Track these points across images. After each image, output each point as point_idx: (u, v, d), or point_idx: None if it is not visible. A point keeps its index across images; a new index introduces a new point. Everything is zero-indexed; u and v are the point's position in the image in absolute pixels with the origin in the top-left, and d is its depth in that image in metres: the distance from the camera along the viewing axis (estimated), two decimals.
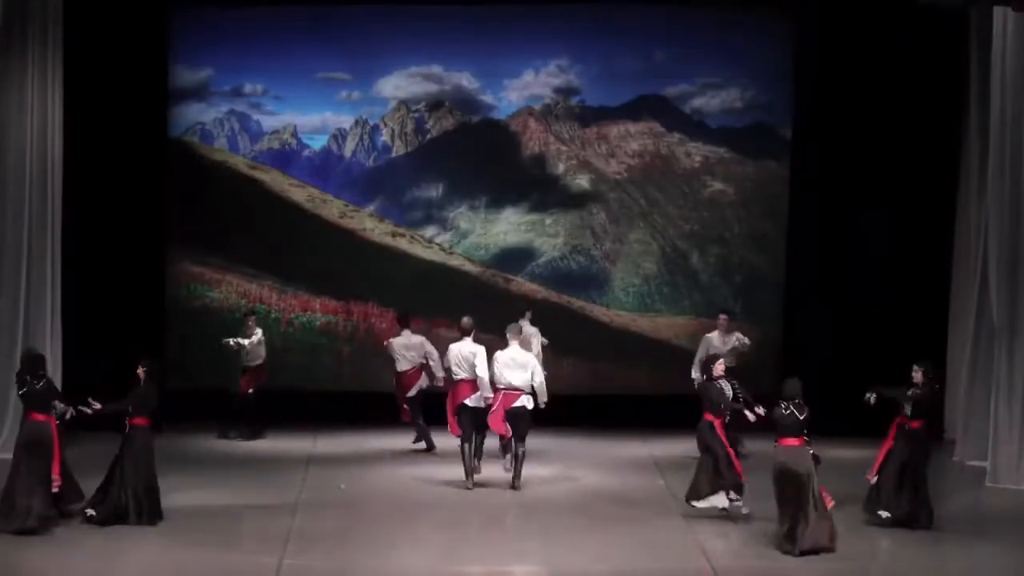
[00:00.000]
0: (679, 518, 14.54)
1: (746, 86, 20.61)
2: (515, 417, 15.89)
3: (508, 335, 16.35)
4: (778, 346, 20.28)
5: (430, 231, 20.81)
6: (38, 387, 13.88)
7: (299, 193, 20.74)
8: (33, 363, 14.13)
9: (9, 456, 14.40)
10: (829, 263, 20.12)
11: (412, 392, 18.07)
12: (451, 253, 20.81)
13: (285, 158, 20.76)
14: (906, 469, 14.22)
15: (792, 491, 13.21)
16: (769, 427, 13.82)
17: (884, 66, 19.89)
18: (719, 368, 14.79)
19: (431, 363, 18.02)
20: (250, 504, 15.05)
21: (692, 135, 20.75)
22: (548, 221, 20.86)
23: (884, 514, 14.18)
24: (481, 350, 16.20)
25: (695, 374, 17.56)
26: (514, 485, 15.86)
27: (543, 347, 18.41)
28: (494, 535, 14.08)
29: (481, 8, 20.45)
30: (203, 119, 20.65)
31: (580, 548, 13.73)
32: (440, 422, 16.90)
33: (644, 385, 20.30)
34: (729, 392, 14.80)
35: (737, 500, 14.37)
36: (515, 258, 20.81)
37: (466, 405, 16.14)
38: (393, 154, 20.88)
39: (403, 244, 20.77)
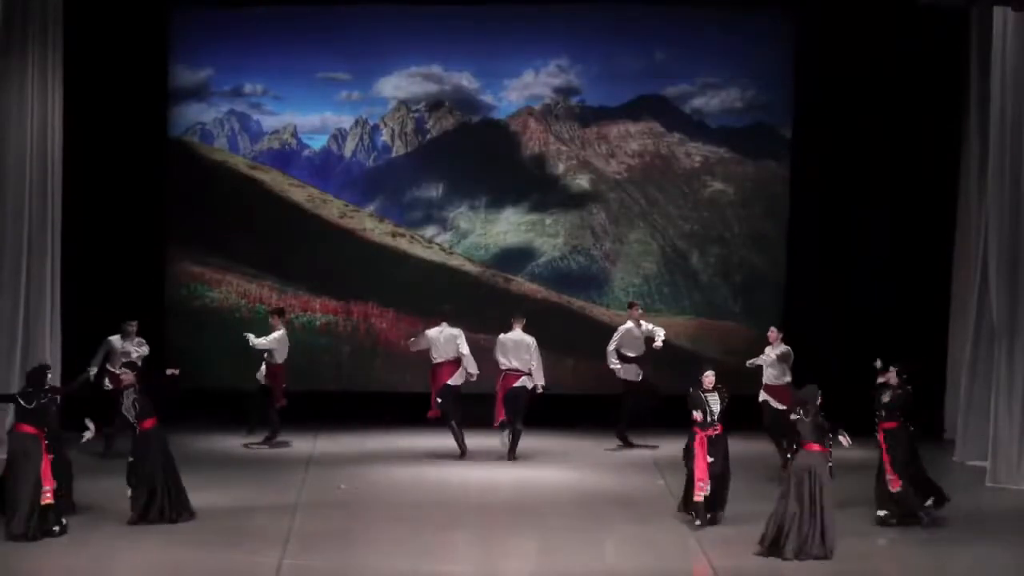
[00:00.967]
0: (679, 518, 14.52)
1: (746, 86, 20.61)
2: (515, 396, 17.44)
3: (512, 320, 17.83)
4: None
5: (430, 231, 20.82)
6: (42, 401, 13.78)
7: (299, 193, 20.74)
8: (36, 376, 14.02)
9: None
10: (829, 263, 20.12)
11: (452, 381, 17.85)
12: (451, 253, 20.81)
13: (285, 158, 20.76)
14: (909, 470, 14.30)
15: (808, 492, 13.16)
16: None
17: (884, 66, 19.89)
18: (709, 379, 14.43)
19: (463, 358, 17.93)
20: (250, 504, 15.04)
21: (692, 135, 20.75)
22: (548, 221, 20.86)
23: (929, 502, 14.36)
24: (461, 332, 17.71)
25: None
26: (511, 457, 17.44)
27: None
28: (494, 535, 14.07)
29: (481, 8, 20.46)
30: (203, 119, 20.65)
31: (580, 548, 13.72)
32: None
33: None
34: (717, 405, 14.35)
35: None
36: (515, 258, 20.81)
37: (448, 385, 17.55)
38: (393, 154, 20.88)
39: (403, 244, 20.77)
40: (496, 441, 17.96)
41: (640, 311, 18.74)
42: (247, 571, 12.62)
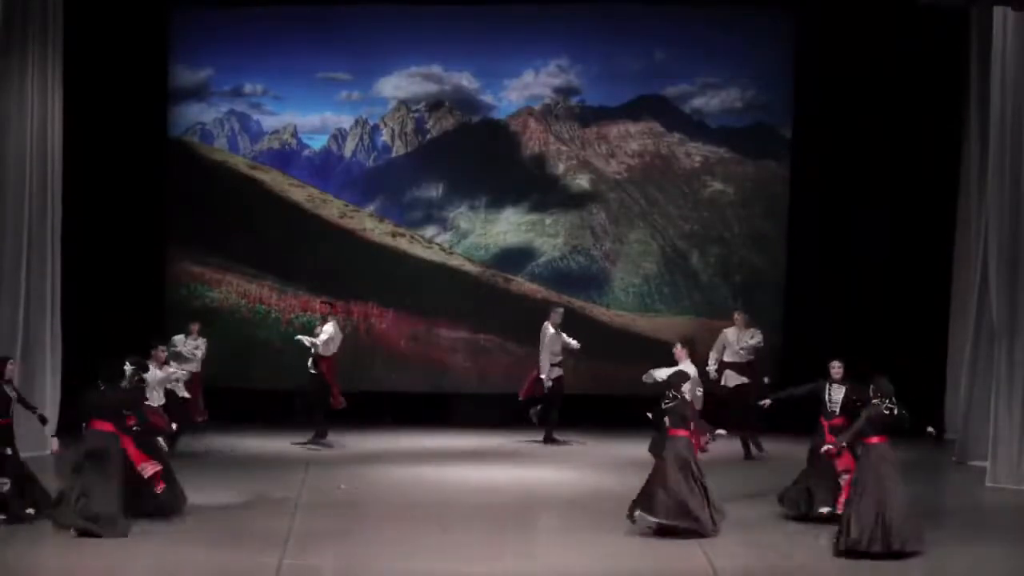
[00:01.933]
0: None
1: (746, 86, 20.62)
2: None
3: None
4: (778, 346, 20.27)
5: (430, 231, 20.82)
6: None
7: (299, 193, 20.75)
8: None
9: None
10: (829, 263, 20.13)
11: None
12: (451, 253, 20.81)
13: (285, 158, 20.77)
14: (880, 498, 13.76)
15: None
16: None
17: (884, 66, 19.90)
18: (836, 370, 14.63)
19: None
20: (250, 504, 15.04)
21: (692, 135, 20.76)
22: (548, 221, 20.87)
23: (825, 510, 13.92)
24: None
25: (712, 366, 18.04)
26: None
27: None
28: (494, 535, 14.07)
29: (481, 8, 20.47)
30: (203, 119, 20.67)
31: (580, 548, 13.72)
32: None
33: (644, 385, 20.27)
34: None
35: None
36: (515, 258, 20.82)
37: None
38: (393, 154, 20.89)
39: (403, 244, 20.77)
40: (496, 441, 18.02)
41: (740, 316, 18.32)
42: (247, 571, 12.61)
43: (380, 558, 13.10)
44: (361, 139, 20.85)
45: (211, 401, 19.31)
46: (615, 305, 20.70)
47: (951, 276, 19.58)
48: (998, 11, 16.31)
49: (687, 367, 15.77)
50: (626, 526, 14.31)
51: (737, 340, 18.11)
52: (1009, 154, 16.50)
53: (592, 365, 20.30)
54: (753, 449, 17.68)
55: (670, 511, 13.44)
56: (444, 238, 20.83)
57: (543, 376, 18.56)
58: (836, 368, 14.73)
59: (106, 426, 13.54)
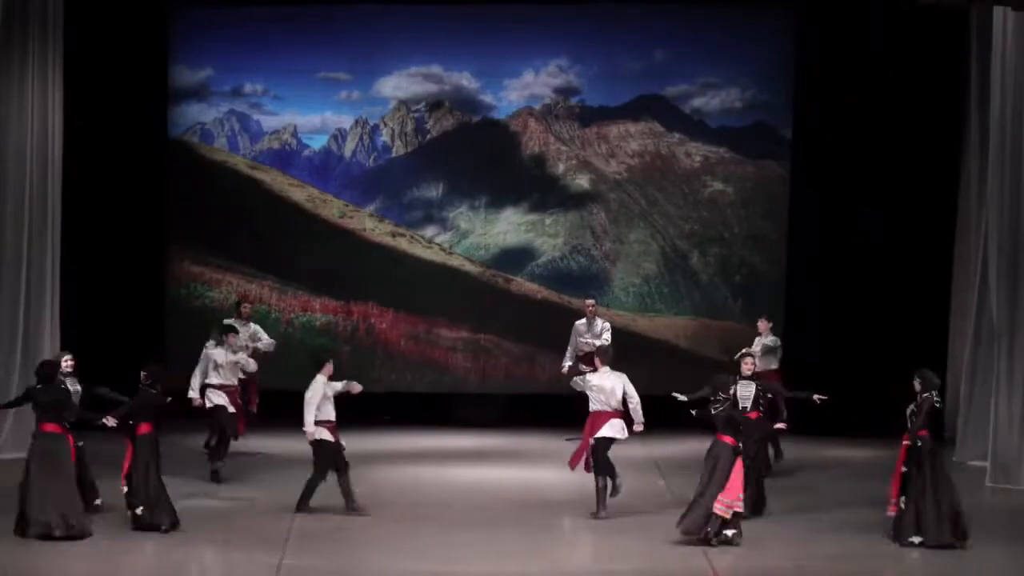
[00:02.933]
0: (679, 518, 14.50)
1: (746, 86, 20.62)
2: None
3: (597, 358, 15.22)
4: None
5: (430, 231, 20.82)
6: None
7: (299, 193, 20.75)
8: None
9: (9, 457, 14.47)
10: (829, 263, 20.12)
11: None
12: (451, 253, 20.81)
13: (285, 158, 20.77)
14: (939, 491, 13.76)
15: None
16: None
17: (884, 66, 19.89)
18: (747, 366, 14.50)
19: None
20: (250, 504, 15.04)
21: (692, 135, 20.76)
22: (548, 221, 20.87)
23: (916, 539, 13.54)
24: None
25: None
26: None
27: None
28: (494, 535, 14.07)
29: (481, 8, 20.47)
30: (203, 119, 20.67)
31: (580, 548, 13.73)
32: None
33: (644, 385, 20.23)
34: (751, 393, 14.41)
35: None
36: (515, 258, 20.82)
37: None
38: (393, 154, 20.89)
39: (403, 244, 20.77)
40: (496, 441, 18.02)
41: (766, 323, 17.86)
42: (247, 571, 12.62)
43: (380, 558, 13.10)
44: (361, 139, 20.85)
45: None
46: (615, 305, 20.70)
47: (951, 276, 19.57)
48: (998, 11, 16.31)
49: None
50: (626, 526, 14.32)
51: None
52: (1009, 154, 16.50)
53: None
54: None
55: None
56: (444, 238, 20.83)
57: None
58: (748, 365, 14.71)
59: (54, 427, 13.58)
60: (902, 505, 13.59)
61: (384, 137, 20.87)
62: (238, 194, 20.69)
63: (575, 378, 15.56)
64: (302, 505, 14.53)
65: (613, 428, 14.70)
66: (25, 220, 17.42)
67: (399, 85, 20.75)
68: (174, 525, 13.59)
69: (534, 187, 20.87)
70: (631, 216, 20.84)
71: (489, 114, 20.80)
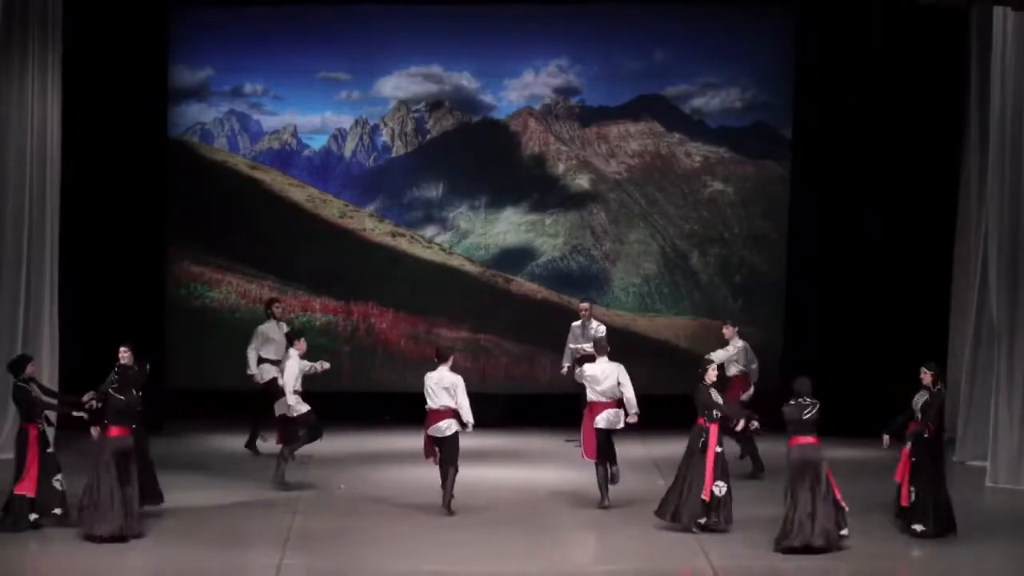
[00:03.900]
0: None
1: (746, 86, 20.61)
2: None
3: (595, 349, 15.70)
4: (778, 346, 20.28)
5: (430, 231, 20.82)
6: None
7: (299, 193, 20.75)
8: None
9: (9, 457, 14.45)
10: (829, 263, 20.11)
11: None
12: (451, 253, 20.81)
13: (285, 158, 20.77)
14: (937, 480, 13.97)
15: (810, 482, 13.21)
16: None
17: (884, 66, 19.88)
18: (712, 374, 14.30)
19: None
20: (250, 504, 15.04)
21: (692, 135, 20.76)
22: (548, 221, 20.87)
23: (919, 527, 13.83)
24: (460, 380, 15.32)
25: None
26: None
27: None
28: (494, 535, 14.08)
29: (481, 8, 20.47)
30: (203, 119, 20.66)
31: (580, 548, 13.73)
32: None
33: (644, 385, 20.24)
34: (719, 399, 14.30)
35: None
36: (515, 258, 20.82)
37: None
38: (393, 154, 20.89)
39: (403, 244, 20.77)
40: (496, 441, 18.02)
41: (731, 328, 17.47)
42: (247, 571, 12.63)
43: (380, 558, 13.11)
44: (361, 139, 20.85)
45: (211, 401, 19.33)
46: (615, 305, 20.70)
47: (951, 276, 19.57)
48: (998, 11, 16.32)
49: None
50: (626, 526, 14.32)
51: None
52: (1009, 154, 16.51)
53: None
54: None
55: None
56: (444, 238, 20.83)
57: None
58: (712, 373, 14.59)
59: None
60: (912, 496, 13.73)
61: (384, 137, 20.87)
62: (238, 194, 20.68)
63: (577, 370, 16.02)
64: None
65: (609, 418, 15.14)
66: (25, 220, 17.42)
67: (399, 85, 20.75)
68: (117, 537, 13.23)
69: (534, 187, 20.87)
70: (631, 216, 20.83)
71: (489, 114, 20.79)
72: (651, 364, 20.23)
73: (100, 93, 19.45)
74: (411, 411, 19.65)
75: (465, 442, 18.00)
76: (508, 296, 20.68)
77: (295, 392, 15.82)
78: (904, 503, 14.00)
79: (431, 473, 16.74)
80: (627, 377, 15.21)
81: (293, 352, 16.01)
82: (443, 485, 14.90)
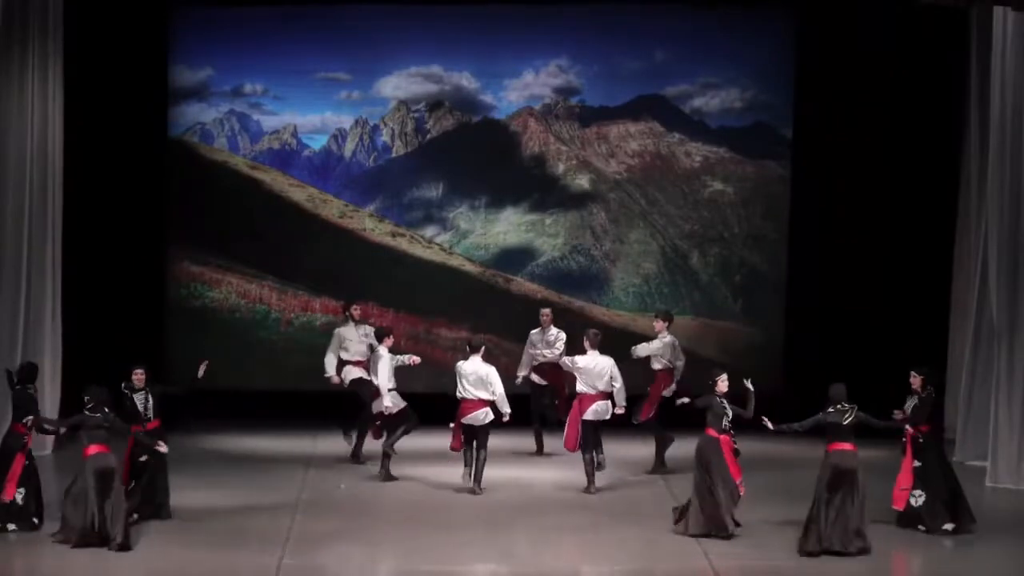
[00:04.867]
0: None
1: (746, 86, 20.61)
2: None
3: (586, 341, 15.95)
4: (778, 346, 20.29)
5: (430, 231, 20.82)
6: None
7: (299, 193, 20.75)
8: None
9: None
10: (829, 263, 20.12)
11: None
12: (451, 253, 20.81)
13: (285, 158, 20.77)
14: (949, 478, 14.09)
15: (845, 489, 13.25)
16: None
17: (884, 66, 19.89)
18: (722, 385, 14.13)
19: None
20: (250, 504, 15.04)
21: (692, 135, 20.76)
22: (548, 221, 20.87)
23: (949, 526, 13.95)
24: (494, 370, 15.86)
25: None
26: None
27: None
28: (494, 535, 14.08)
29: (481, 8, 20.47)
30: (203, 119, 20.66)
31: (580, 548, 13.73)
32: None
33: (644, 385, 20.28)
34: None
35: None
36: (515, 258, 20.82)
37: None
38: (393, 154, 20.89)
39: (403, 244, 20.77)
40: (496, 441, 18.00)
41: (661, 322, 17.26)
42: (247, 571, 12.63)
43: (380, 558, 13.12)
44: (361, 139, 20.85)
45: (211, 401, 19.30)
46: (615, 305, 20.70)
47: (951, 276, 19.57)
48: (998, 11, 16.31)
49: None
50: (626, 526, 14.31)
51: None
52: (1009, 154, 16.51)
53: None
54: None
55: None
56: (444, 238, 20.82)
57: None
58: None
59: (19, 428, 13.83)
60: (913, 502, 13.75)
61: (384, 137, 20.87)
62: (238, 194, 20.68)
63: (564, 359, 16.39)
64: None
65: (598, 411, 15.68)
66: (25, 220, 17.42)
67: (399, 85, 20.75)
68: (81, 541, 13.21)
69: (534, 187, 20.87)
70: (631, 216, 20.83)
71: (489, 114, 20.79)
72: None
73: (100, 93, 19.46)
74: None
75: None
76: (508, 296, 20.68)
77: (389, 390, 16.23)
78: (900, 506, 14.03)
79: (431, 473, 16.76)
80: (618, 371, 15.72)
81: (383, 349, 16.39)
82: (470, 470, 15.67)
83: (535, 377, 18.02)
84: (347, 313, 17.86)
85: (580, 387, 15.76)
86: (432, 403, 17.84)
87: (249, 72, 20.63)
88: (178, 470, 15.16)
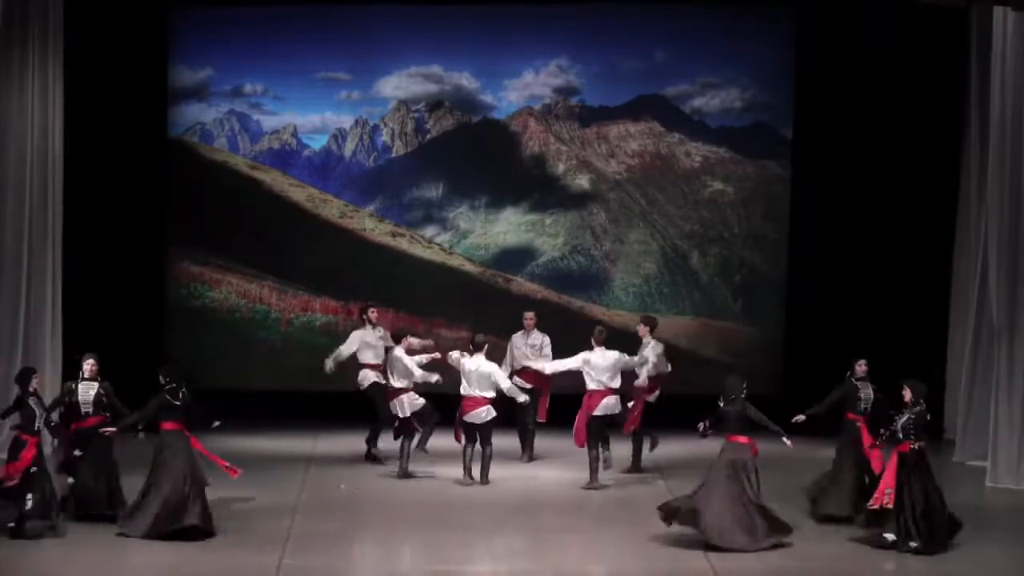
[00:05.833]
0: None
1: (746, 86, 20.61)
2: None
3: (593, 338, 16.12)
4: (778, 346, 20.29)
5: (430, 231, 20.82)
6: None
7: (299, 193, 20.75)
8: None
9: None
10: (829, 263, 20.12)
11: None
12: (451, 253, 20.81)
13: (285, 158, 20.77)
14: (928, 497, 13.90)
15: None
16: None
17: (884, 66, 19.90)
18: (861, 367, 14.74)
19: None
20: (250, 504, 15.05)
21: (692, 135, 20.75)
22: (548, 221, 20.86)
23: (913, 544, 13.65)
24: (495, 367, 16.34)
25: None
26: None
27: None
28: (494, 535, 14.08)
29: (481, 8, 20.46)
30: (203, 119, 20.66)
31: (580, 548, 13.74)
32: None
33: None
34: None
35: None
36: (515, 258, 20.81)
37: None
38: (393, 154, 20.89)
39: (403, 244, 20.77)
40: (496, 441, 18.02)
41: (644, 327, 17.26)
42: (247, 571, 12.63)
43: (380, 558, 13.11)
44: (361, 139, 20.85)
45: (211, 401, 19.27)
46: (615, 305, 20.70)
47: (951, 276, 19.58)
48: (998, 11, 16.32)
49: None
50: (626, 526, 14.32)
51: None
52: (1009, 154, 16.51)
53: None
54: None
55: None
56: (444, 238, 20.83)
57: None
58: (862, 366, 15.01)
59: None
60: (887, 502, 13.60)
61: (384, 137, 20.86)
62: (238, 194, 20.68)
63: (581, 354, 16.26)
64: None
65: (608, 406, 15.86)
66: (25, 220, 17.42)
67: (399, 85, 20.74)
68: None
69: (534, 187, 20.87)
70: (631, 216, 20.84)
71: (489, 114, 20.79)
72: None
73: (101, 93, 19.46)
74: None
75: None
76: (508, 296, 20.67)
77: (412, 386, 16.40)
78: (876, 504, 13.76)
79: (430, 473, 16.75)
80: (627, 358, 16.10)
81: (399, 351, 16.50)
82: (469, 463, 15.99)
83: (518, 380, 17.92)
84: (364, 316, 17.81)
85: (590, 384, 15.96)
86: (431, 403, 17.84)
87: (249, 72, 20.63)
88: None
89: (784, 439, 13.99)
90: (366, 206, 20.83)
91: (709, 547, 13.19)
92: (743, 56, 20.43)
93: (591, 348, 16.10)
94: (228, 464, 14.26)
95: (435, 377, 16.32)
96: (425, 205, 20.85)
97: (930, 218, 19.81)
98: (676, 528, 14.01)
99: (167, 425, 13.77)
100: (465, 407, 15.83)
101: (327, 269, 20.62)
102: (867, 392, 14.84)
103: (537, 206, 20.86)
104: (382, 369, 17.21)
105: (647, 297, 20.71)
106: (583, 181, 20.86)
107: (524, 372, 17.80)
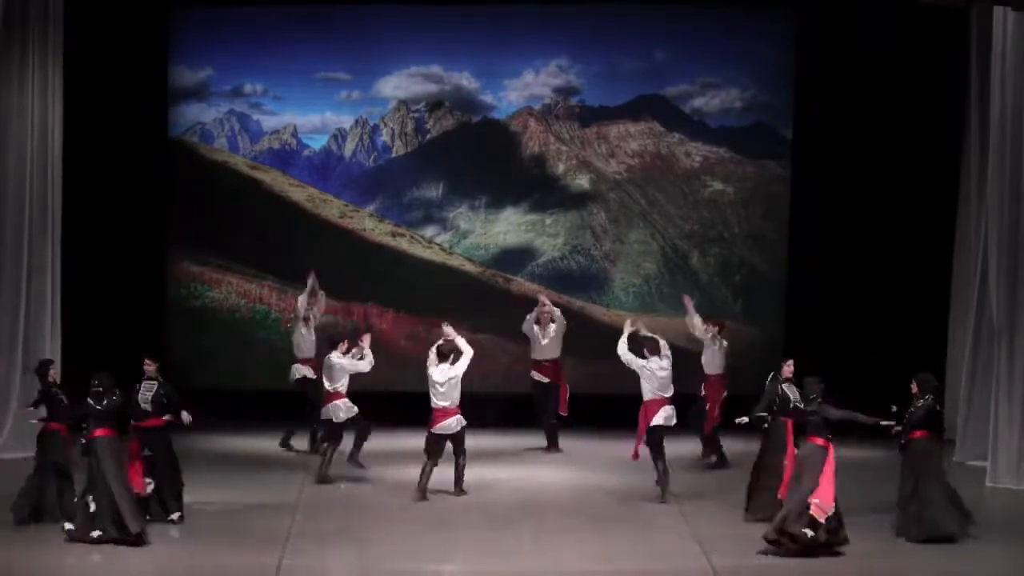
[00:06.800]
0: (679, 518, 14.54)
1: (746, 86, 20.62)
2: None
3: (646, 348, 15.82)
4: (778, 346, 20.27)
5: (430, 231, 20.82)
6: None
7: (299, 193, 20.75)
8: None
9: (10, 457, 14.47)
10: (829, 263, 20.12)
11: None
12: (451, 253, 20.82)
13: (285, 158, 20.77)
14: (928, 489, 13.96)
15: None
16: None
17: (884, 65, 19.90)
18: (788, 368, 14.71)
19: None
20: (250, 504, 15.04)
21: (692, 135, 20.76)
22: (548, 221, 20.87)
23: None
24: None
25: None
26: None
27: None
28: (494, 535, 14.07)
29: (481, 8, 20.47)
30: (203, 119, 20.67)
31: (580, 548, 13.73)
32: None
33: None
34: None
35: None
36: (515, 258, 20.82)
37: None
38: (393, 154, 20.90)
39: (403, 244, 20.78)
40: (496, 441, 18.03)
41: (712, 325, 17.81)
42: (247, 571, 12.62)
43: (380, 558, 13.11)
44: (361, 139, 20.86)
45: (211, 401, 19.30)
46: (615, 305, 20.70)
47: (951, 276, 19.58)
48: (998, 11, 16.32)
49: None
50: (626, 526, 14.32)
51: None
52: (1009, 154, 16.51)
53: (592, 365, 20.28)
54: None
55: None
56: (444, 238, 20.83)
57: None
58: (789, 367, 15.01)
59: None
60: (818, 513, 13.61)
61: (384, 137, 20.87)
62: (238, 194, 20.69)
63: (631, 355, 15.67)
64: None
65: (667, 415, 15.31)
66: (25, 220, 17.43)
67: (399, 85, 20.75)
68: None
69: (534, 187, 20.88)
70: (631, 216, 20.84)
71: (489, 114, 20.80)
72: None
73: (100, 93, 19.48)
74: (411, 411, 19.69)
75: (465, 442, 18.04)
76: (508, 296, 20.68)
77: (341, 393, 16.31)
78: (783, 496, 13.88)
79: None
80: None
81: (336, 355, 16.45)
82: (426, 481, 15.31)
83: (536, 375, 18.05)
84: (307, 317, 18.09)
85: (647, 394, 15.35)
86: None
87: (249, 72, 20.64)
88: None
89: (882, 423, 13.92)
90: (366, 206, 20.84)
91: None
92: (743, 56, 20.43)
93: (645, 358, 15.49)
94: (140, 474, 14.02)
95: (366, 365, 16.37)
96: (425, 205, 20.85)
97: (930, 218, 19.82)
98: (675, 528, 14.02)
99: (98, 432, 13.51)
100: (436, 418, 15.46)
101: (327, 269, 20.56)
102: (793, 393, 14.79)
103: (537, 206, 20.87)
104: (314, 365, 17.32)
105: (647, 297, 20.72)
106: (583, 181, 20.87)
107: (542, 366, 17.87)
